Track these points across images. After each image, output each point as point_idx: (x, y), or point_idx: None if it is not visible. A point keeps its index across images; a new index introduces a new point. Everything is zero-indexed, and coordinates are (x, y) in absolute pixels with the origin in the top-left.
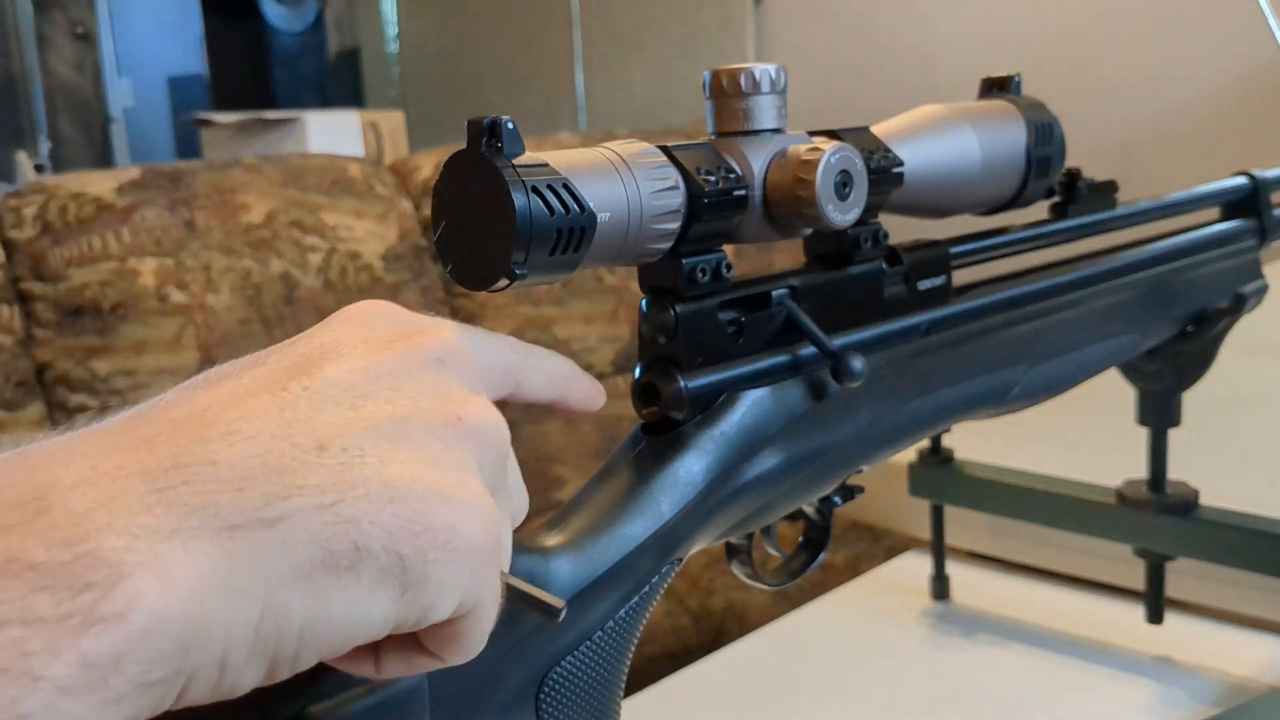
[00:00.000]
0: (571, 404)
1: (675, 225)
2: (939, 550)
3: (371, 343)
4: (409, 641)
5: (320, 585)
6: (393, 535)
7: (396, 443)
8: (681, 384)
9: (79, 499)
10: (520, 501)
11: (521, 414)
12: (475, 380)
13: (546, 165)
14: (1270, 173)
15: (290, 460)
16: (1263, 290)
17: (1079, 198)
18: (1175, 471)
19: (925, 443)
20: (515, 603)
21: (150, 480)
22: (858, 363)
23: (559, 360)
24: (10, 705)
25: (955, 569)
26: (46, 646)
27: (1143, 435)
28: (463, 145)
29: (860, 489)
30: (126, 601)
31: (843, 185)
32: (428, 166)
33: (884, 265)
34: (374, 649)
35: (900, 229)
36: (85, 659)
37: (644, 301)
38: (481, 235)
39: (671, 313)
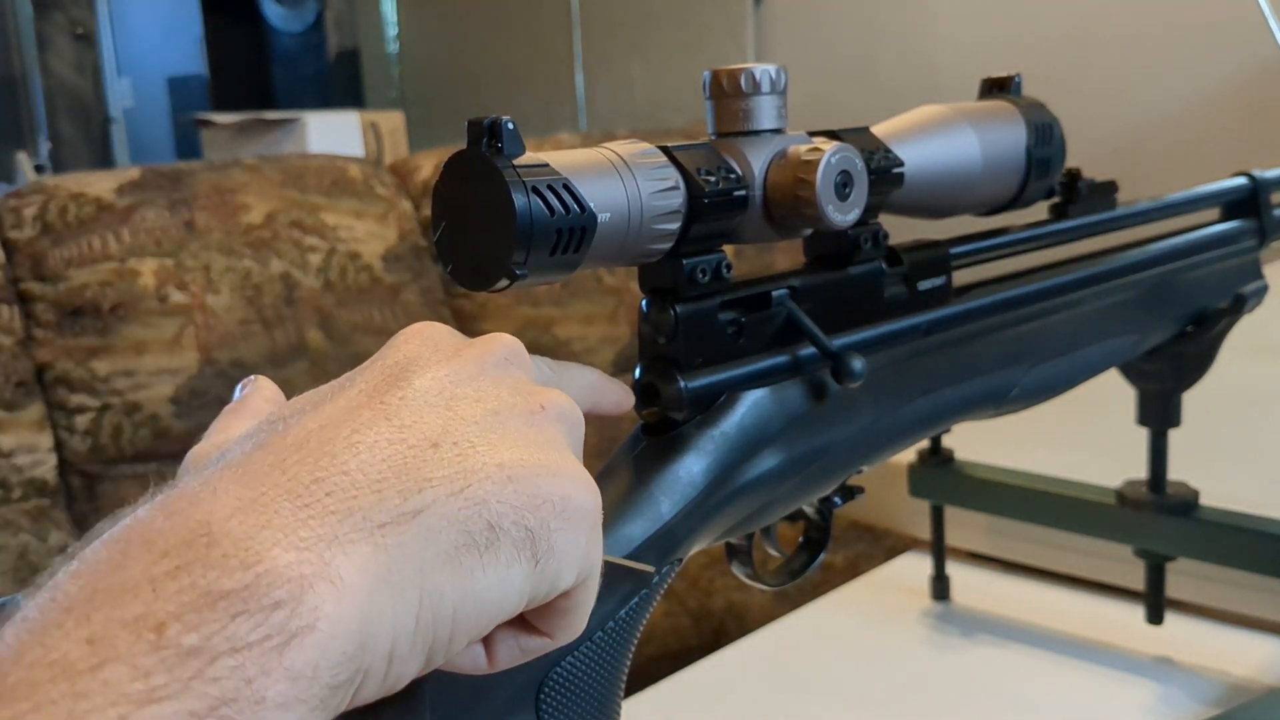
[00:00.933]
0: (605, 409)
1: (675, 225)
2: (939, 551)
3: (442, 352)
4: (519, 626)
5: (466, 565)
6: (519, 510)
7: (496, 432)
8: (681, 384)
9: (239, 526)
10: None
11: None
12: (536, 376)
13: (547, 165)
14: (1270, 173)
15: (412, 459)
16: (1263, 290)
17: (1079, 198)
18: (1175, 471)
19: (925, 443)
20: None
21: (295, 498)
22: (857, 363)
23: (587, 370)
24: None
25: (955, 569)
26: (260, 669)
27: (1143, 435)
28: (463, 145)
29: (860, 489)
30: (312, 613)
31: (843, 185)
32: (428, 167)
33: (884, 265)
34: (486, 642)
35: (900, 229)
36: (291, 674)
37: (644, 302)
38: (481, 235)
39: (671, 313)
